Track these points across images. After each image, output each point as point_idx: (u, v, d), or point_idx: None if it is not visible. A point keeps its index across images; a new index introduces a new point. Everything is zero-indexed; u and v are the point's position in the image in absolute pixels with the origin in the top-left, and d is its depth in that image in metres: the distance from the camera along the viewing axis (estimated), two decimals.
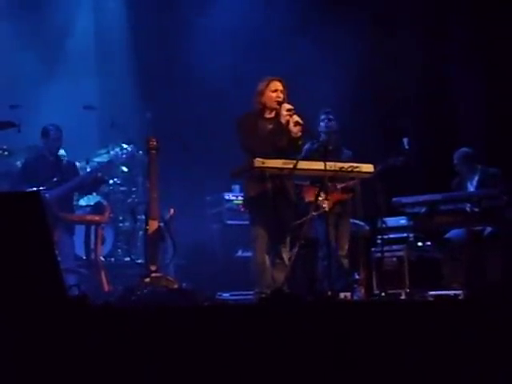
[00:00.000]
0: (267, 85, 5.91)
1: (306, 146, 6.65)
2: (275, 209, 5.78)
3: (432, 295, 6.74)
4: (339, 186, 6.91)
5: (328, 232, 6.06)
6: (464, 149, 7.63)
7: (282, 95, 5.90)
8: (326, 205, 5.86)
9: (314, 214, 5.98)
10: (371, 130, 8.88)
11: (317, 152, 6.40)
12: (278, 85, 5.92)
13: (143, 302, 5.66)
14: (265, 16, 9.24)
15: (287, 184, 5.88)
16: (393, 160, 7.01)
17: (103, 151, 8.52)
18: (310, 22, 9.17)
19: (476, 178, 7.53)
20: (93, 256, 7.14)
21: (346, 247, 7.04)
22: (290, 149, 5.83)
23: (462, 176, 7.63)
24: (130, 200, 8.59)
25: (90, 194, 7.95)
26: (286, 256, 5.87)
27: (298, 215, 6.19)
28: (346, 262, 7.01)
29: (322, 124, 7.09)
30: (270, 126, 5.87)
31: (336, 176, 6.01)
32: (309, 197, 6.65)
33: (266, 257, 5.82)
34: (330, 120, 7.08)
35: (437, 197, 7.30)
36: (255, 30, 9.12)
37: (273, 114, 5.93)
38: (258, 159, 5.58)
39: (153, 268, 6.19)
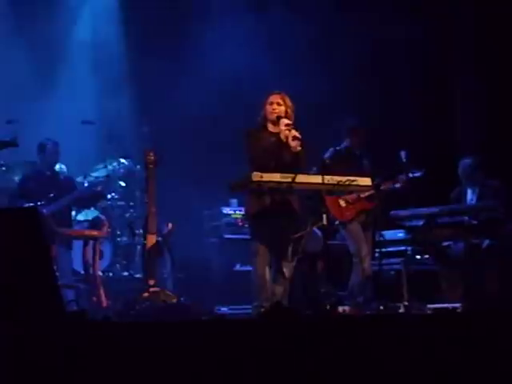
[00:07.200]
0: (266, 98, 5.95)
1: (330, 151, 7.03)
2: (275, 223, 5.76)
3: (430, 308, 6.73)
4: (363, 195, 6.92)
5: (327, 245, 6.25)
6: (466, 159, 7.62)
7: (279, 108, 5.88)
8: (324, 218, 5.85)
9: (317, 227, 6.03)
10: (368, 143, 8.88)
11: (343, 156, 7.03)
12: (275, 98, 5.92)
13: (142, 317, 5.66)
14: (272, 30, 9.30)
15: (289, 197, 5.83)
16: (392, 184, 7.11)
17: (101, 166, 8.51)
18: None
19: (477, 190, 7.51)
20: (91, 271, 7.10)
21: (369, 259, 7.06)
22: (294, 164, 5.81)
23: (463, 186, 7.62)
24: (127, 215, 8.58)
25: (89, 208, 7.97)
26: (286, 270, 5.84)
27: (297, 229, 6.18)
28: (367, 274, 6.98)
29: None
30: (272, 140, 5.87)
31: (334, 190, 6.02)
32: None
33: (267, 271, 5.80)
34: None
35: (434, 210, 7.29)
36: (258, 45, 9.17)
37: (276, 129, 5.91)
38: (255, 173, 5.56)
39: (151, 282, 6.19)
